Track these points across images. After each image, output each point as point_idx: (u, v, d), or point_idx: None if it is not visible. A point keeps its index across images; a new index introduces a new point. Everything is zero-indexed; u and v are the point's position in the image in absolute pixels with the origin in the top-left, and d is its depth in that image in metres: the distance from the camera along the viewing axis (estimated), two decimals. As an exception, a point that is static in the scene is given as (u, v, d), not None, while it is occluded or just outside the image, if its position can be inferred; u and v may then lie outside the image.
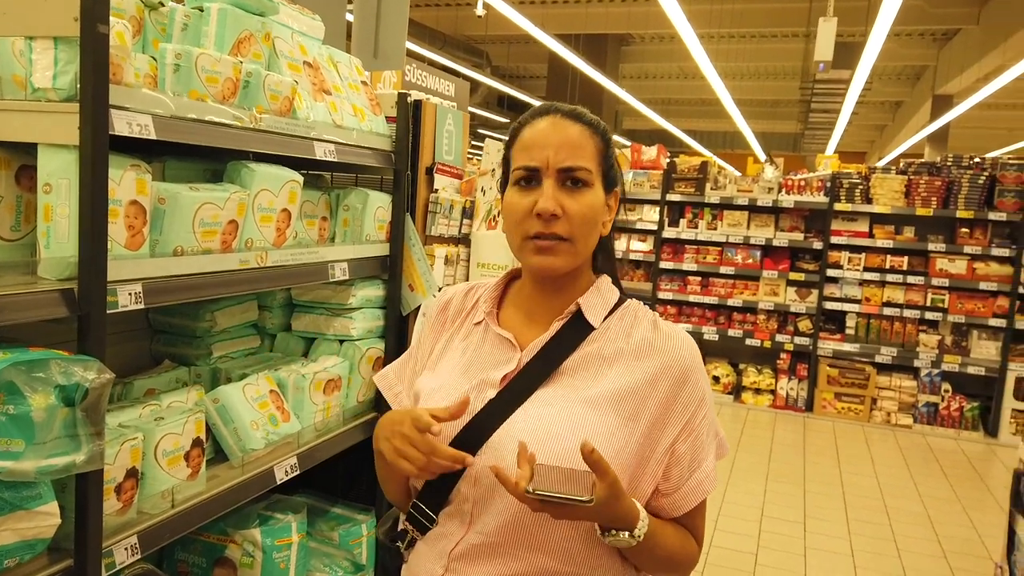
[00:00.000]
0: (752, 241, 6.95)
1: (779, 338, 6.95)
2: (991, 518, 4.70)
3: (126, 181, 1.47)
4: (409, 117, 2.40)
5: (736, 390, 7.16)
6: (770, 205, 6.87)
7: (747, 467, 5.37)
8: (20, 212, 1.51)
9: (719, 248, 7.10)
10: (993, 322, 6.35)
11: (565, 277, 1.20)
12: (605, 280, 1.26)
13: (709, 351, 7.35)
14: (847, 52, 9.28)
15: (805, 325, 6.91)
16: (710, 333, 7.09)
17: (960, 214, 6.37)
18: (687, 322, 7.18)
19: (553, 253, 1.15)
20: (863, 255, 6.70)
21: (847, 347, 6.75)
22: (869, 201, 6.67)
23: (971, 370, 6.43)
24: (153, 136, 1.47)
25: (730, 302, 7.08)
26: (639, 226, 7.31)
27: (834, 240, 6.74)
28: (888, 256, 6.64)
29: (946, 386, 6.54)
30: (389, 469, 1.18)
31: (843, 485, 5.13)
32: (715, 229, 7.09)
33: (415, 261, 2.44)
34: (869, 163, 14.06)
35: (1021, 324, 6.27)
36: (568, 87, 14.16)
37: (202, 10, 1.77)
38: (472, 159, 3.47)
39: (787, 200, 6.82)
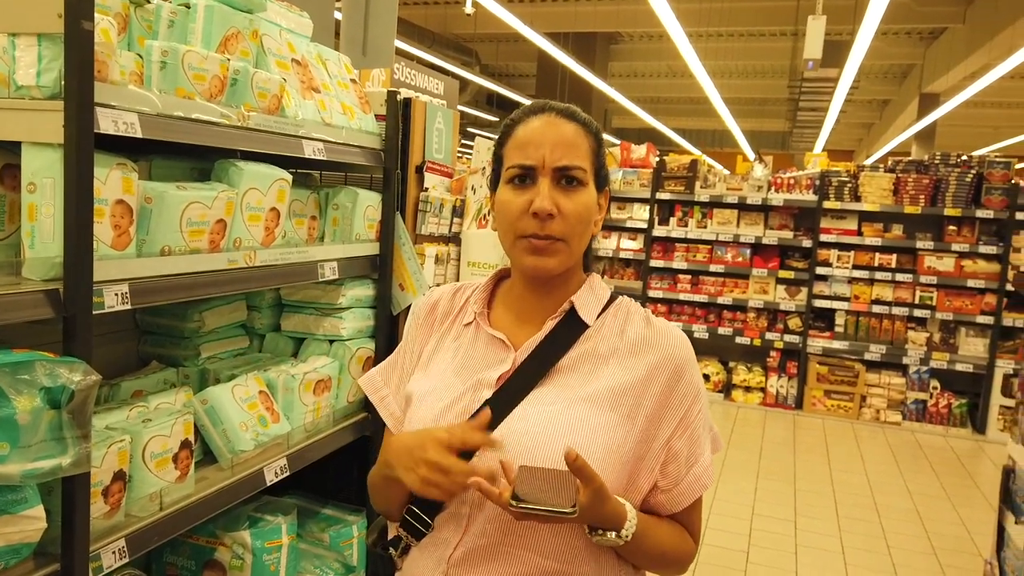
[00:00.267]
0: (742, 239, 6.97)
1: (769, 336, 6.97)
2: (980, 514, 4.73)
3: (112, 180, 1.45)
4: (399, 115, 2.38)
5: (726, 388, 7.18)
6: (759, 203, 6.89)
7: (738, 465, 5.38)
8: (4, 211, 1.49)
9: (709, 246, 7.11)
10: (981, 319, 6.39)
11: (557, 277, 1.20)
12: (596, 278, 1.26)
13: (699, 349, 7.33)
14: (835, 50, 9.32)
15: (795, 323, 6.94)
16: (700, 331, 7.10)
17: (948, 212, 6.41)
18: (677, 320, 7.19)
19: (548, 254, 1.14)
20: (852, 253, 6.72)
21: (836, 345, 6.78)
22: (858, 199, 6.70)
23: (959, 367, 6.47)
24: (139, 134, 1.45)
25: (720, 300, 7.09)
26: (629, 225, 7.31)
27: (823, 238, 6.77)
28: (877, 254, 6.67)
29: (934, 383, 6.58)
30: (392, 489, 1.16)
31: (833, 482, 5.15)
32: (705, 227, 7.10)
33: (405, 260, 2.42)
34: (857, 161, 14.15)
35: (1008, 321, 6.32)
36: (557, 85, 14.16)
37: (189, 7, 1.75)
38: (462, 157, 3.45)
39: (776, 198, 6.84)
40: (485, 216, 2.74)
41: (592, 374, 1.16)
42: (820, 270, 6.78)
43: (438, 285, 2.57)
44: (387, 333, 2.43)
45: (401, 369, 1.33)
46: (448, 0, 12.45)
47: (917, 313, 6.59)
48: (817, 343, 6.84)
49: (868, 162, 9.41)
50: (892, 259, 6.63)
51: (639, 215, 7.30)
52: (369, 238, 2.34)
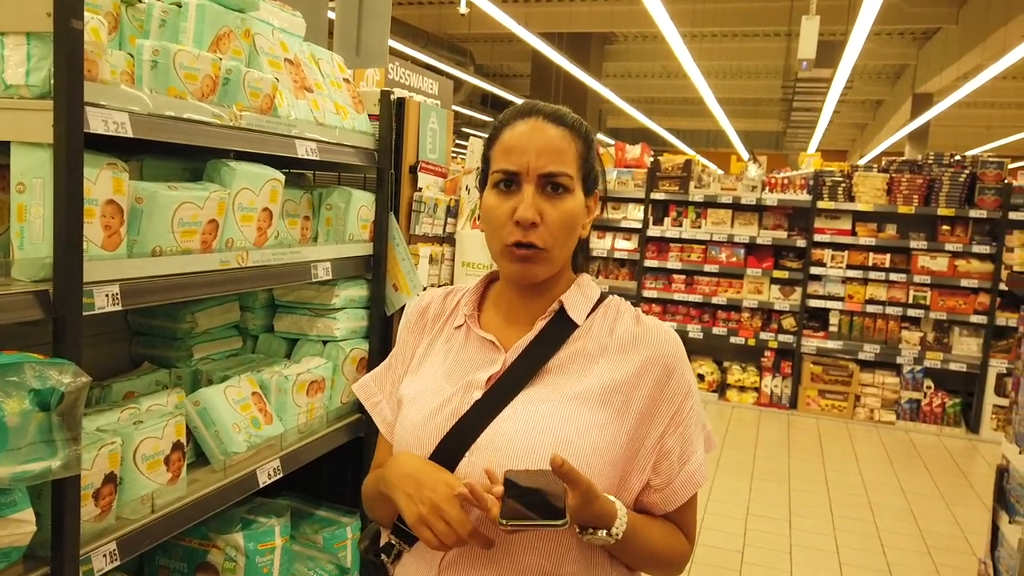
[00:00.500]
0: (736, 239, 6.98)
1: (763, 336, 6.98)
2: (974, 513, 4.74)
3: (102, 180, 1.44)
4: (392, 115, 2.37)
5: (721, 388, 7.18)
6: (754, 203, 6.89)
7: (732, 465, 5.38)
8: (-7, 212, 1.47)
9: (703, 246, 7.12)
10: (974, 319, 6.41)
11: (545, 279, 1.19)
12: (586, 278, 1.26)
13: (694, 349, 7.37)
14: (828, 51, 9.34)
15: (789, 323, 6.95)
16: (695, 331, 7.11)
17: (941, 212, 6.43)
18: (672, 320, 7.19)
19: (532, 262, 1.14)
20: (846, 253, 6.74)
21: (830, 344, 6.79)
22: (852, 199, 6.71)
23: (953, 366, 6.48)
24: (130, 134, 1.44)
25: (714, 300, 7.10)
26: (623, 225, 7.31)
27: (817, 238, 6.78)
28: (871, 254, 6.68)
29: (928, 382, 6.60)
30: (389, 503, 1.14)
31: (827, 482, 5.15)
32: (699, 227, 7.11)
33: (399, 260, 2.41)
34: (850, 161, 14.19)
35: (1002, 321, 6.34)
36: (552, 86, 14.16)
37: (180, 6, 1.74)
38: (456, 158, 3.45)
39: (770, 198, 6.85)
40: (479, 216, 2.73)
41: (583, 373, 1.15)
42: (814, 270, 6.79)
43: (432, 286, 2.57)
44: (381, 334, 2.42)
45: (394, 374, 1.32)
46: (443, 0, 12.44)
47: (911, 313, 6.60)
48: (811, 343, 6.85)
49: (862, 162, 9.44)
50: (886, 259, 6.64)
51: (633, 215, 7.30)
52: (363, 238, 2.33)
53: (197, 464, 1.86)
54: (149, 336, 2.13)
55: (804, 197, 6.79)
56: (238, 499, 1.84)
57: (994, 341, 6.38)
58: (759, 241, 6.91)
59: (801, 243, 6.82)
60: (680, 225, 7.17)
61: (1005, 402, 6.15)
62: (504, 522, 0.97)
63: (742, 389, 7.08)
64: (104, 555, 1.47)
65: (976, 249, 6.40)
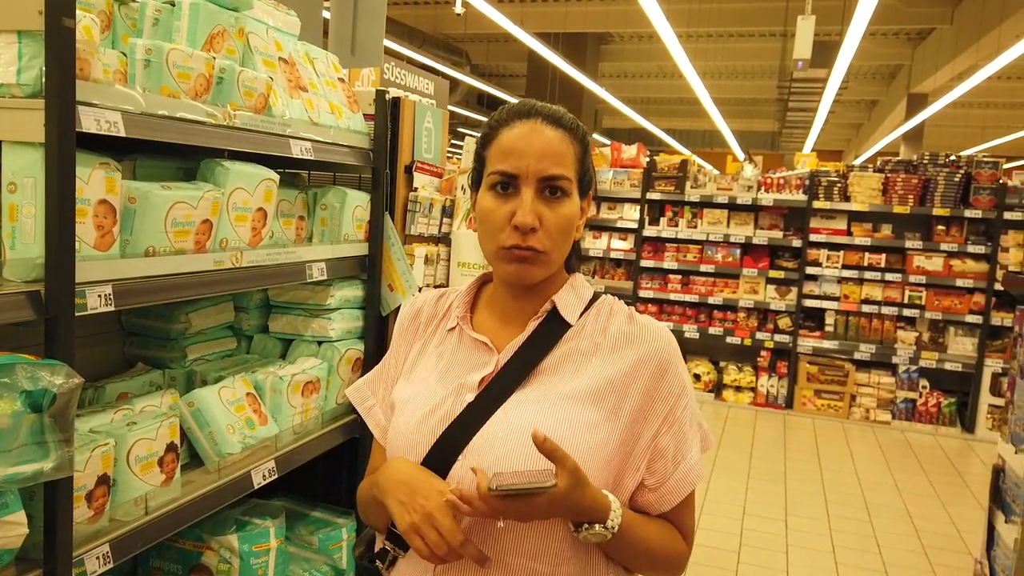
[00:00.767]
0: (732, 239, 6.98)
1: (759, 336, 6.99)
2: (969, 513, 4.75)
3: (95, 180, 1.43)
4: (387, 114, 2.37)
5: (717, 388, 7.19)
6: (750, 203, 6.90)
7: (728, 465, 5.38)
8: (-16, 212, 1.46)
9: (699, 246, 7.12)
10: (969, 318, 6.42)
11: (540, 281, 1.19)
12: (578, 278, 1.25)
13: (690, 349, 7.37)
14: (824, 51, 9.36)
15: (785, 323, 6.96)
16: (691, 331, 7.11)
17: (937, 211, 6.44)
18: (668, 320, 7.19)
19: (529, 263, 1.13)
20: (841, 253, 6.74)
21: (826, 344, 6.80)
22: (847, 199, 6.72)
23: (948, 366, 6.49)
24: (122, 133, 1.43)
25: (710, 300, 7.10)
26: (619, 225, 7.31)
27: (813, 238, 6.79)
28: (866, 254, 6.69)
29: (924, 382, 6.61)
30: (384, 509, 1.13)
31: (824, 482, 5.16)
32: (695, 227, 7.11)
33: (395, 261, 2.41)
34: (845, 161, 14.21)
35: (997, 320, 6.35)
36: (548, 86, 14.16)
37: (173, 5, 1.73)
38: (452, 157, 3.44)
39: (766, 198, 6.86)
40: (475, 216, 2.72)
41: (575, 373, 1.14)
42: (810, 270, 6.80)
43: (428, 286, 2.56)
44: (376, 334, 2.42)
45: (387, 378, 1.31)
46: (438, 0, 12.43)
47: (906, 313, 6.61)
48: (807, 343, 6.86)
49: (857, 162, 9.45)
50: (881, 259, 6.65)
51: (629, 215, 7.30)
52: (358, 238, 2.32)
53: (191, 465, 1.85)
54: (143, 337, 2.12)
55: (800, 197, 6.79)
56: (233, 500, 1.84)
57: (989, 341, 6.39)
58: (755, 241, 6.92)
59: (797, 243, 6.82)
60: (676, 225, 7.18)
61: (1000, 402, 6.16)
62: (494, 487, 0.96)
63: (738, 389, 7.09)
64: (97, 557, 1.46)
65: (971, 249, 6.42)
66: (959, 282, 6.43)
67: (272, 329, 2.34)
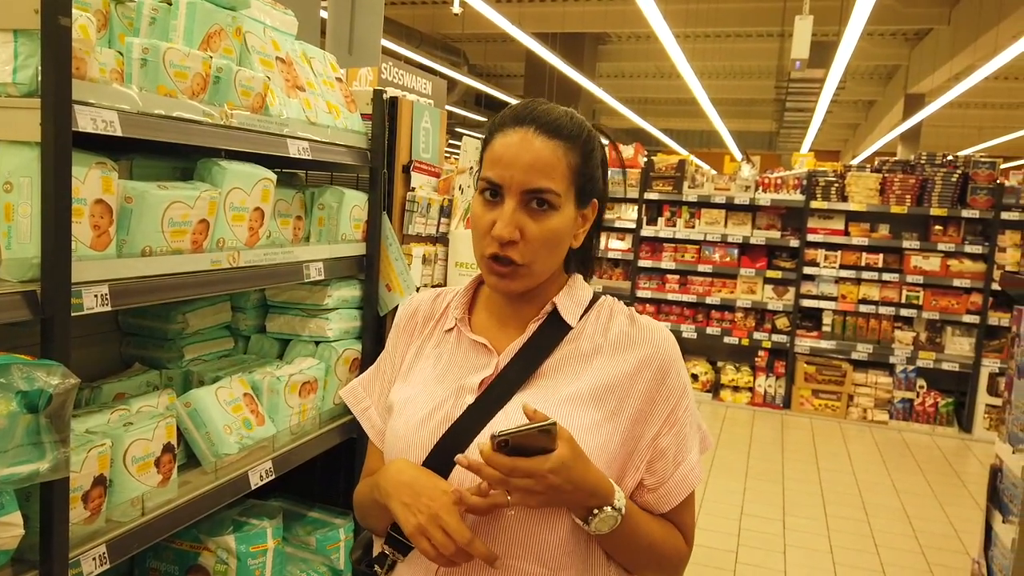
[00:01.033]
0: (730, 239, 6.98)
1: (757, 336, 6.99)
2: (967, 513, 4.75)
3: (91, 179, 1.42)
4: (385, 114, 2.36)
5: (715, 388, 7.19)
6: (747, 203, 6.90)
7: (726, 465, 5.38)
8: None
9: (697, 246, 7.12)
10: (967, 318, 6.43)
11: (531, 287, 1.17)
12: (577, 279, 1.24)
13: (688, 349, 7.37)
14: (821, 51, 9.36)
15: (782, 323, 6.96)
16: (688, 331, 7.11)
17: (934, 212, 6.44)
18: (666, 320, 7.20)
19: (509, 278, 1.12)
20: (839, 253, 6.75)
21: (824, 344, 6.80)
22: (845, 199, 6.72)
23: (945, 366, 6.50)
24: (119, 133, 1.42)
25: (708, 300, 7.10)
26: (617, 225, 7.31)
27: (810, 238, 6.79)
28: (863, 254, 6.70)
29: (921, 382, 6.62)
30: (384, 512, 1.12)
31: (821, 482, 5.16)
32: (693, 227, 7.11)
33: (392, 260, 2.40)
34: (843, 161, 14.23)
35: (994, 320, 6.36)
36: (545, 86, 14.16)
37: (170, 4, 1.72)
38: (450, 157, 3.44)
39: (764, 198, 6.86)
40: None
41: (576, 374, 1.14)
42: (807, 270, 6.80)
43: (426, 286, 2.56)
44: (374, 334, 2.41)
45: (383, 379, 1.30)
46: (436, 0, 12.42)
47: (904, 312, 6.62)
48: (805, 343, 6.86)
49: (854, 162, 9.46)
50: (879, 259, 6.66)
51: (627, 215, 7.30)
52: (355, 238, 2.32)
53: (188, 466, 1.85)
54: (139, 337, 2.12)
55: (797, 197, 6.80)
56: (230, 501, 1.83)
57: (986, 341, 6.40)
58: (753, 241, 6.92)
59: (794, 243, 6.83)
60: (674, 225, 7.18)
61: (997, 401, 6.17)
62: (496, 434, 0.96)
63: (736, 389, 7.09)
64: (94, 558, 1.46)
65: (968, 249, 6.42)
66: (956, 282, 6.44)
67: (269, 329, 2.34)
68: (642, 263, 7.23)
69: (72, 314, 1.35)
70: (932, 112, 12.72)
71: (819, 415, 6.81)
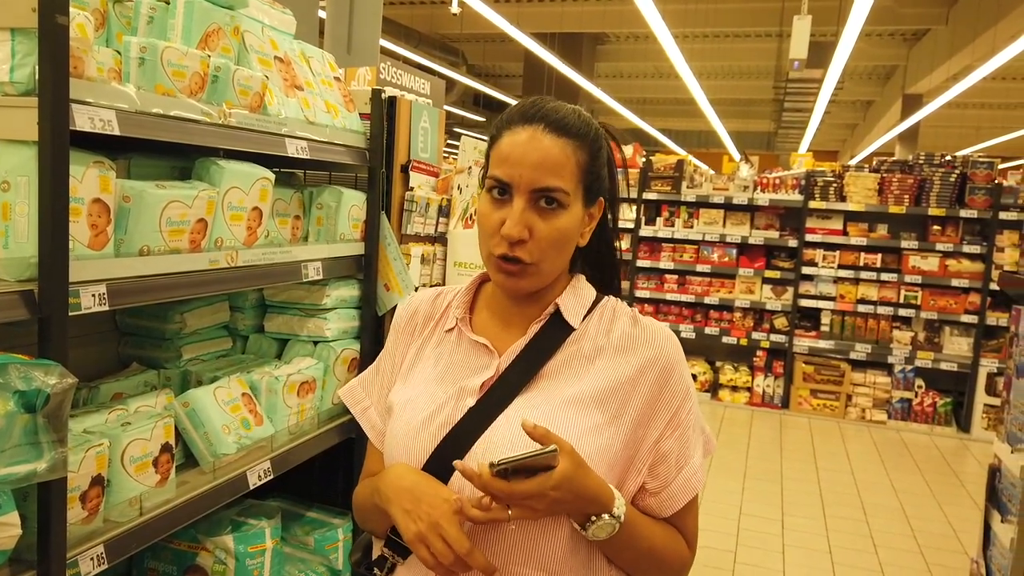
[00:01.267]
0: (728, 239, 6.98)
1: (755, 336, 6.99)
2: (965, 512, 4.75)
3: (88, 178, 1.42)
4: (384, 114, 2.36)
5: (713, 388, 7.19)
6: (746, 203, 6.90)
7: (725, 464, 5.38)
8: (-23, 211, 1.45)
9: (695, 246, 7.12)
10: (965, 318, 6.43)
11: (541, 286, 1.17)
12: (581, 279, 1.23)
13: (686, 349, 7.20)
14: (819, 52, 9.37)
15: (781, 322, 6.96)
16: (687, 331, 7.11)
17: (932, 211, 6.45)
18: (664, 320, 7.19)
19: (518, 277, 1.11)
20: (837, 253, 6.75)
21: (822, 344, 6.81)
22: (843, 199, 6.72)
23: (944, 366, 6.50)
24: (116, 132, 1.42)
25: (707, 300, 7.11)
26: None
27: (809, 238, 6.79)
28: (862, 253, 6.70)
29: (919, 382, 6.62)
30: (384, 516, 1.10)
31: (820, 482, 5.16)
32: (691, 227, 7.11)
33: (391, 260, 2.40)
34: (841, 162, 14.24)
35: (992, 320, 6.36)
36: (544, 86, 14.15)
37: (168, 3, 1.72)
38: (448, 157, 3.44)
39: (762, 198, 6.86)
40: (471, 216, 2.72)
41: (578, 376, 1.12)
42: (806, 270, 6.80)
43: (424, 285, 2.56)
44: (372, 334, 2.41)
45: (382, 379, 1.28)
46: (434, 0, 12.42)
47: (902, 312, 6.62)
48: (803, 343, 6.86)
49: (853, 162, 9.47)
50: (877, 259, 6.66)
51: (626, 215, 7.30)
52: (354, 238, 2.31)
53: (186, 466, 1.85)
54: (137, 337, 2.11)
55: (796, 197, 6.80)
56: (228, 501, 1.83)
57: (984, 340, 6.41)
58: (751, 241, 6.92)
59: (793, 243, 6.83)
60: (672, 225, 7.18)
61: (995, 401, 6.17)
62: (495, 463, 0.95)
63: (734, 389, 7.09)
64: (91, 558, 1.45)
65: (967, 249, 6.43)
66: (955, 282, 6.44)
67: (268, 329, 2.34)
68: (640, 263, 7.23)
69: (70, 313, 1.35)
70: (930, 112, 12.73)
71: (817, 415, 6.81)
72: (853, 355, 6.73)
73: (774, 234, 6.92)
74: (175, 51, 1.60)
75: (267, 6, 2.06)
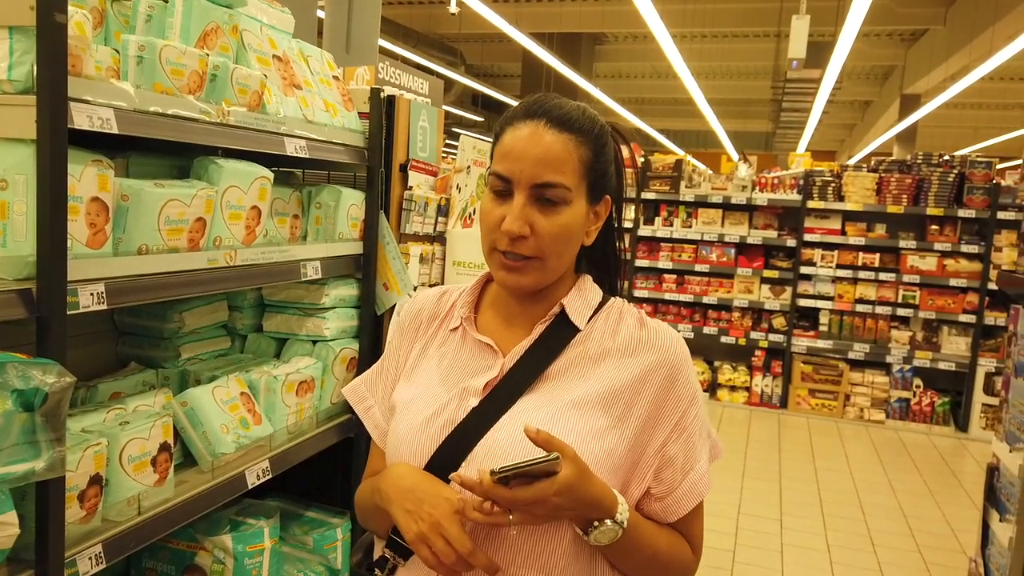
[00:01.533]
0: (727, 239, 6.99)
1: (754, 335, 6.99)
2: (963, 512, 4.76)
3: (87, 177, 1.42)
4: (382, 113, 2.36)
5: (711, 387, 7.19)
6: (744, 203, 6.91)
7: (723, 464, 5.38)
8: (-25, 209, 1.44)
9: (694, 246, 7.12)
10: (963, 318, 6.44)
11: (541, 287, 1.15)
12: (587, 279, 1.21)
13: (684, 349, 7.36)
14: (817, 52, 9.37)
15: (779, 322, 6.96)
16: (685, 331, 7.11)
17: (930, 211, 6.45)
18: (663, 320, 7.19)
19: (520, 272, 1.10)
20: (836, 252, 6.76)
21: (820, 344, 6.81)
22: (841, 199, 6.73)
23: (942, 365, 6.51)
24: (115, 130, 1.41)
25: (705, 300, 7.11)
26: (614, 224, 7.30)
27: (807, 238, 6.80)
28: (860, 253, 6.71)
29: (917, 381, 6.62)
30: (386, 516, 1.09)
31: (818, 481, 5.16)
32: (690, 227, 7.12)
33: (389, 259, 2.40)
34: (839, 162, 14.24)
35: (990, 320, 6.37)
36: (542, 86, 14.15)
37: (167, 1, 1.71)
38: (447, 156, 3.43)
39: (761, 198, 6.87)
40: (470, 215, 2.72)
41: (583, 378, 1.11)
42: (804, 269, 6.81)
43: (423, 285, 2.55)
44: (371, 333, 2.41)
45: (386, 378, 1.27)
46: (432, 0, 12.42)
47: (900, 312, 6.63)
48: (801, 342, 6.87)
49: (851, 162, 9.47)
50: (875, 258, 6.67)
51: (624, 215, 7.29)
52: (353, 237, 2.31)
53: (185, 465, 1.84)
54: (136, 336, 2.11)
55: (794, 197, 6.81)
56: (226, 501, 1.83)
57: (983, 340, 6.41)
58: (749, 241, 6.92)
59: (791, 243, 6.83)
60: (671, 225, 7.18)
61: (994, 401, 6.16)
62: (496, 470, 0.94)
63: (733, 388, 7.10)
64: (90, 558, 1.45)
65: (965, 248, 6.43)
66: (953, 282, 6.45)
67: (266, 328, 2.33)
68: (639, 263, 7.23)
69: (68, 312, 1.35)
70: (928, 112, 12.73)
71: (816, 414, 6.81)
72: (851, 355, 6.73)
73: (772, 234, 6.92)
74: (173, 50, 1.59)
75: (266, 5, 2.05)
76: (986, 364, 6.34)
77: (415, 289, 2.48)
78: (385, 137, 2.38)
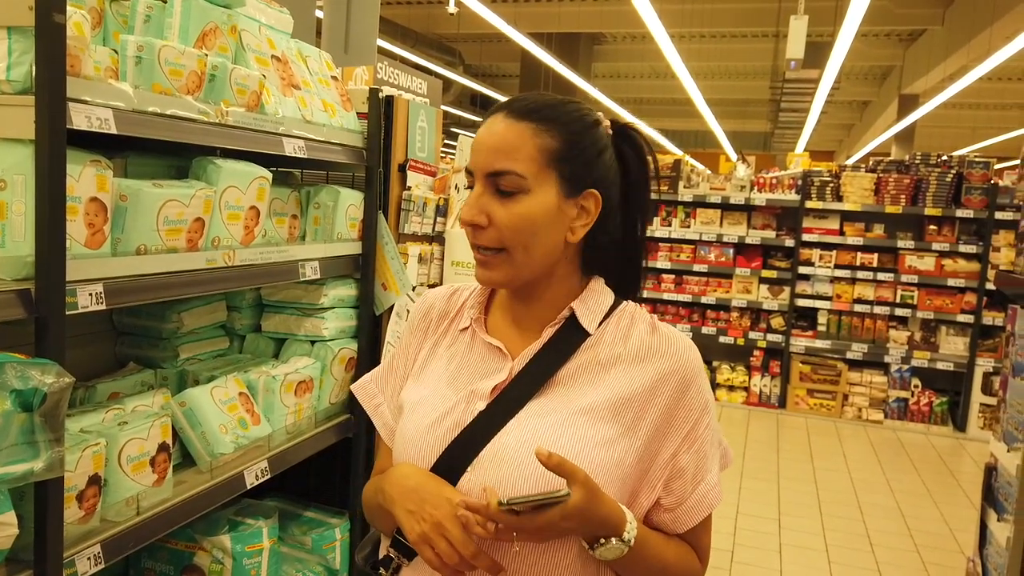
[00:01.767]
0: (725, 239, 6.99)
1: (752, 335, 7.00)
2: (961, 511, 4.76)
3: (85, 177, 1.42)
4: (381, 113, 2.36)
5: (710, 387, 7.19)
6: (742, 203, 6.91)
7: (722, 464, 5.38)
8: (-26, 210, 1.44)
9: (692, 246, 7.13)
10: (961, 318, 6.44)
11: (537, 285, 1.13)
12: (598, 282, 1.17)
13: (683, 349, 7.36)
14: (816, 52, 9.38)
15: (778, 322, 6.97)
16: (684, 331, 7.09)
17: (928, 211, 6.46)
18: (661, 320, 7.19)
19: (488, 267, 1.08)
20: (834, 252, 6.76)
21: (819, 344, 6.81)
22: (839, 199, 6.73)
23: (940, 365, 6.52)
24: (113, 130, 1.41)
25: (703, 300, 7.11)
26: (613, 224, 7.31)
27: (805, 238, 6.80)
28: (858, 253, 6.71)
29: (916, 381, 6.63)
30: (390, 515, 1.08)
31: (816, 481, 5.17)
32: (688, 227, 7.12)
33: (388, 259, 2.40)
34: (837, 162, 14.25)
35: (988, 320, 6.37)
36: (541, 86, 14.14)
37: (165, 1, 1.72)
38: (445, 157, 3.43)
39: (759, 198, 6.87)
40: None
41: (592, 384, 1.08)
42: (802, 269, 6.81)
43: (422, 285, 2.56)
44: (370, 333, 2.41)
45: (396, 376, 1.25)
46: (431, 0, 12.42)
47: (898, 312, 6.63)
48: (800, 342, 6.87)
49: (849, 163, 9.48)
50: (873, 258, 6.67)
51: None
52: (351, 237, 2.31)
53: (183, 465, 1.84)
54: (134, 336, 2.11)
55: (792, 197, 6.81)
56: (225, 501, 1.83)
57: (981, 340, 6.42)
58: (748, 241, 6.93)
59: (789, 243, 6.84)
60: (669, 225, 7.18)
61: (992, 401, 6.18)
62: (504, 502, 0.93)
63: (731, 388, 7.10)
64: (88, 558, 1.45)
65: (963, 248, 6.44)
66: (951, 282, 6.45)
67: (265, 328, 2.33)
68: (638, 263, 7.22)
69: (67, 313, 1.35)
70: (926, 113, 12.76)
71: (814, 414, 6.82)
72: (850, 355, 6.74)
73: (771, 234, 6.93)
74: (172, 50, 1.59)
75: (264, 5, 2.06)
76: (984, 364, 6.35)
77: (413, 289, 2.48)
78: (384, 137, 2.38)
